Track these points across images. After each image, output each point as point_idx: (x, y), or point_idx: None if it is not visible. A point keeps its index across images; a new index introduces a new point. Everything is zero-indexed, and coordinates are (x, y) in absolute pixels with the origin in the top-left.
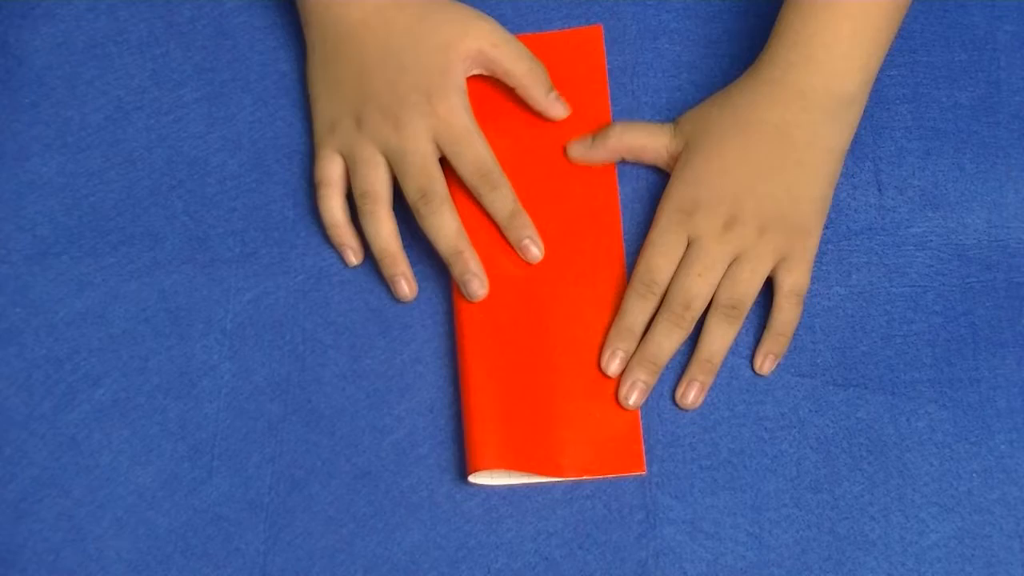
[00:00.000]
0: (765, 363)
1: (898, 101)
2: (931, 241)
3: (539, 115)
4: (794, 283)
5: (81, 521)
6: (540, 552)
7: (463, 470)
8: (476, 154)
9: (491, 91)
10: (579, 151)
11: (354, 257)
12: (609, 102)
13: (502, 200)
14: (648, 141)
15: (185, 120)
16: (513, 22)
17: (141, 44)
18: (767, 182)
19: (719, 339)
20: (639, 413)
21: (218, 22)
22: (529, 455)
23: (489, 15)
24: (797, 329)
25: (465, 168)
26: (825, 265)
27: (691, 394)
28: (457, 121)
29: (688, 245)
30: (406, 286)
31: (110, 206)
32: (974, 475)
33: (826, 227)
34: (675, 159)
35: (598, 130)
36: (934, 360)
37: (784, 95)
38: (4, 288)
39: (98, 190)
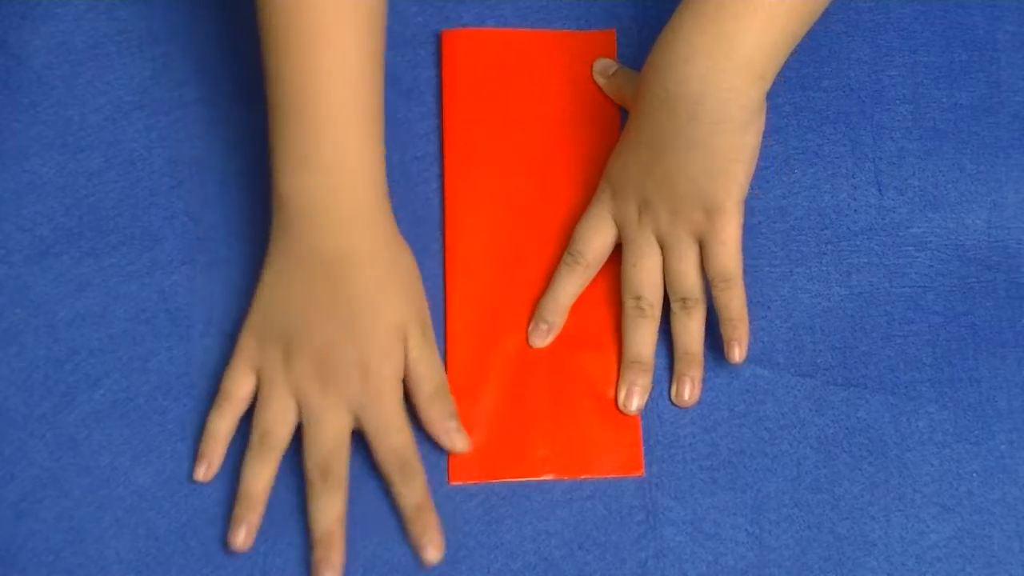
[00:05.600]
0: (733, 352)
1: (898, 101)
2: (931, 241)
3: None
4: (719, 269)
5: (81, 521)
6: (540, 552)
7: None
8: (398, 442)
9: (502, 88)
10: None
11: (204, 473)
12: (618, 105)
13: (413, 493)
14: (625, 91)
15: (185, 120)
16: (513, 22)
17: (141, 44)
18: (661, 162)
19: (687, 332)
20: (638, 416)
21: (218, 22)
22: (513, 462)
23: (492, 16)
24: (797, 329)
25: (384, 455)
26: (825, 265)
27: (685, 391)
28: (385, 407)
29: (619, 227)
30: (244, 533)
31: (110, 206)
32: (974, 475)
33: (826, 227)
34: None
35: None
36: (934, 360)
37: (677, 66)
38: (4, 288)
39: (98, 190)
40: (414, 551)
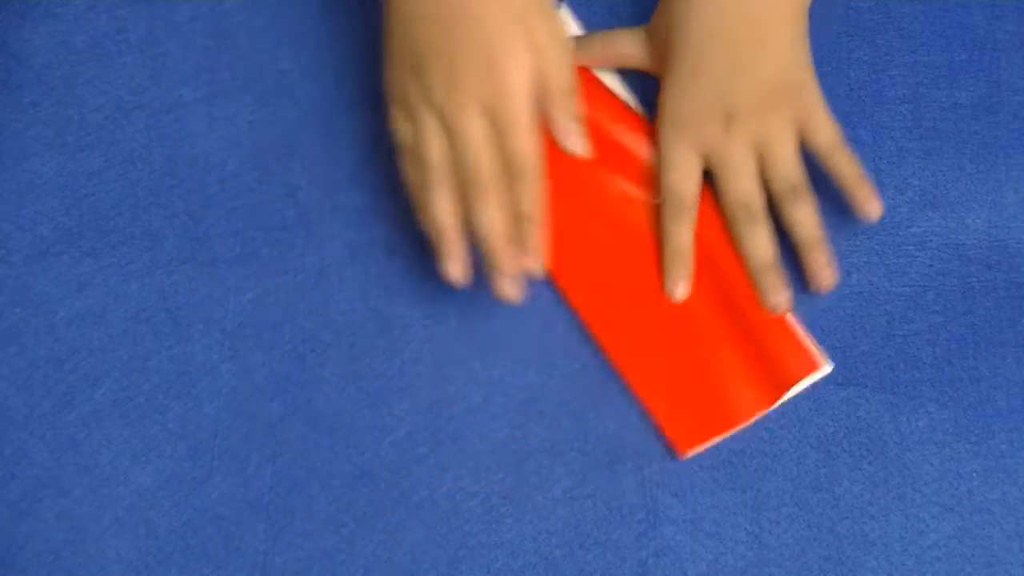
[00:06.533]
0: (870, 209)
1: (898, 101)
2: (931, 241)
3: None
4: (825, 140)
5: (81, 521)
6: (540, 552)
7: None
8: (521, 144)
9: None
10: (589, 55)
11: (461, 273)
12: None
13: (526, 199)
14: (628, 50)
15: (185, 120)
16: None
17: (141, 44)
18: (744, 66)
19: (805, 220)
20: (786, 318)
21: (218, 22)
22: (725, 415)
23: None
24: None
25: (510, 157)
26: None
27: (825, 275)
28: (512, 105)
29: (705, 156)
30: (457, 264)
31: (110, 206)
32: (974, 475)
33: (824, 227)
34: (659, 64)
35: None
36: (934, 360)
37: None
38: (4, 288)
39: (98, 190)
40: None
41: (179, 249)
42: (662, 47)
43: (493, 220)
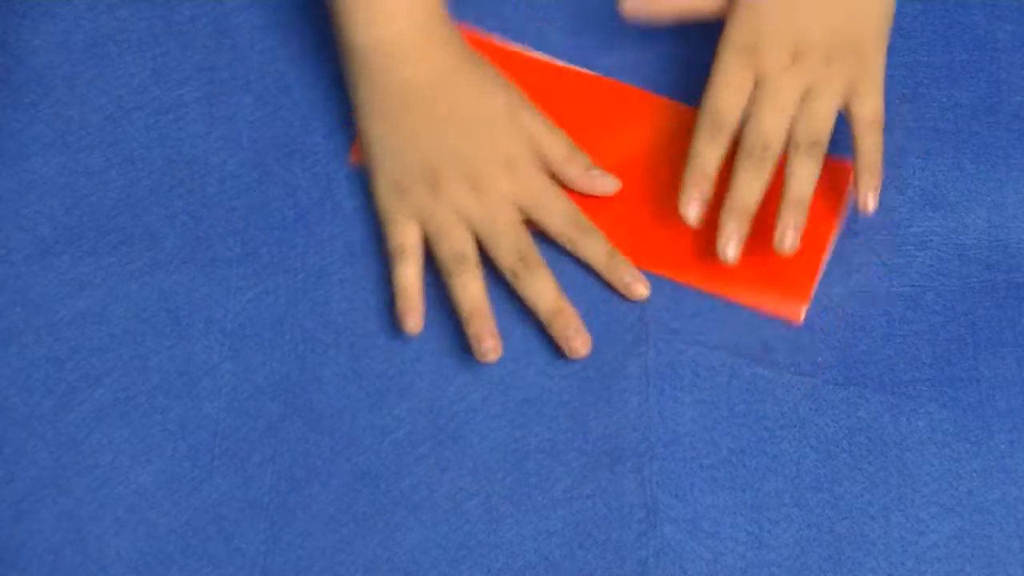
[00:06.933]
0: (869, 200)
1: (898, 101)
2: (931, 241)
3: (581, 192)
4: (870, 111)
5: (81, 521)
6: (540, 552)
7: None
8: (562, 207)
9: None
10: (633, 4)
11: (414, 325)
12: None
13: (597, 246)
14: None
15: (185, 120)
16: (513, 20)
17: (141, 43)
18: (828, 8)
19: (807, 179)
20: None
21: (218, 22)
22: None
23: (486, 16)
24: (797, 328)
25: (554, 222)
26: (825, 264)
27: (788, 238)
28: (535, 182)
29: (756, 84)
30: (491, 342)
31: (110, 206)
32: (974, 475)
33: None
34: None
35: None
36: (934, 360)
37: None
38: (4, 288)
39: (98, 190)
40: (622, 295)
41: (179, 249)
42: None
43: (556, 288)
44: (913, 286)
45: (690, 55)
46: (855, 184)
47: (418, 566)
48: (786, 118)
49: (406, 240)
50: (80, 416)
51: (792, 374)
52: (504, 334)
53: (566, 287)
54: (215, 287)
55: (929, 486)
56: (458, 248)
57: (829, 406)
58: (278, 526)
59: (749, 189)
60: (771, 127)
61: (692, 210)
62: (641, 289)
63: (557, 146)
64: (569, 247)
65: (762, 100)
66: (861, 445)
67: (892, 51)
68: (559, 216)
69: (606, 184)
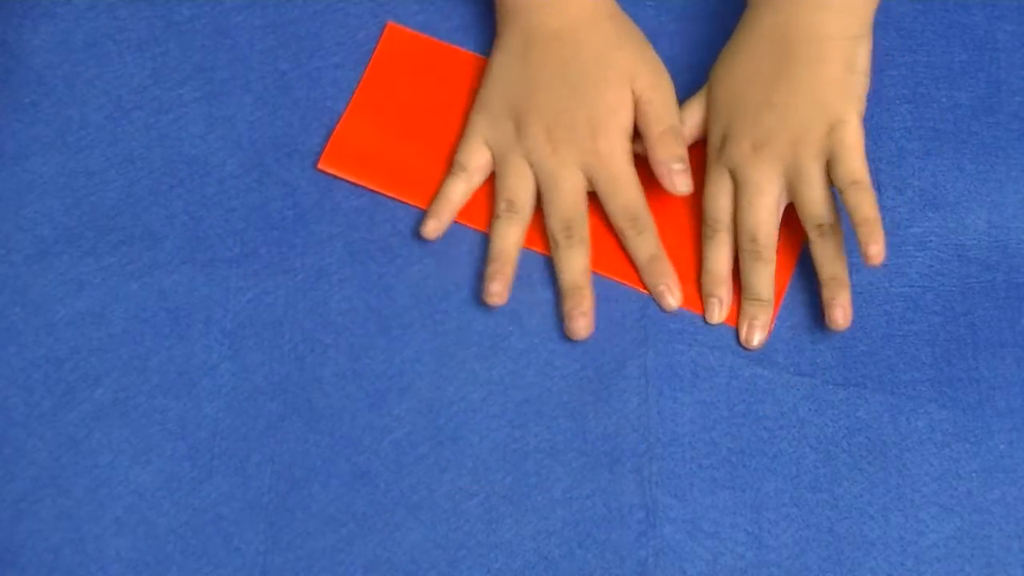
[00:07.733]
0: (870, 252)
1: (898, 101)
2: (931, 241)
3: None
4: (847, 172)
5: (81, 521)
6: (540, 552)
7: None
8: (628, 198)
9: None
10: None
11: (432, 229)
12: None
13: (646, 244)
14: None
15: (185, 120)
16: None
17: (141, 43)
18: (778, 92)
19: (828, 257)
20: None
21: (218, 21)
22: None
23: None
24: (797, 329)
25: (615, 208)
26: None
27: (838, 316)
28: (616, 164)
29: (732, 179)
30: (500, 284)
31: (110, 206)
32: (974, 475)
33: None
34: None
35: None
36: (934, 360)
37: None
38: (4, 288)
39: (98, 190)
40: (654, 299)
41: (179, 249)
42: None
43: (585, 268)
44: (913, 286)
45: (691, 58)
46: (858, 240)
47: (418, 566)
48: (765, 206)
49: (470, 161)
50: (80, 416)
51: (792, 374)
52: (504, 334)
53: None
54: (215, 287)
55: (928, 486)
56: (514, 196)
57: (829, 406)
58: (277, 526)
59: (755, 280)
60: (751, 219)
61: (716, 316)
62: (671, 300)
63: (659, 123)
64: (620, 235)
65: (739, 195)
66: (860, 445)
67: (892, 51)
68: (622, 202)
69: (677, 184)
